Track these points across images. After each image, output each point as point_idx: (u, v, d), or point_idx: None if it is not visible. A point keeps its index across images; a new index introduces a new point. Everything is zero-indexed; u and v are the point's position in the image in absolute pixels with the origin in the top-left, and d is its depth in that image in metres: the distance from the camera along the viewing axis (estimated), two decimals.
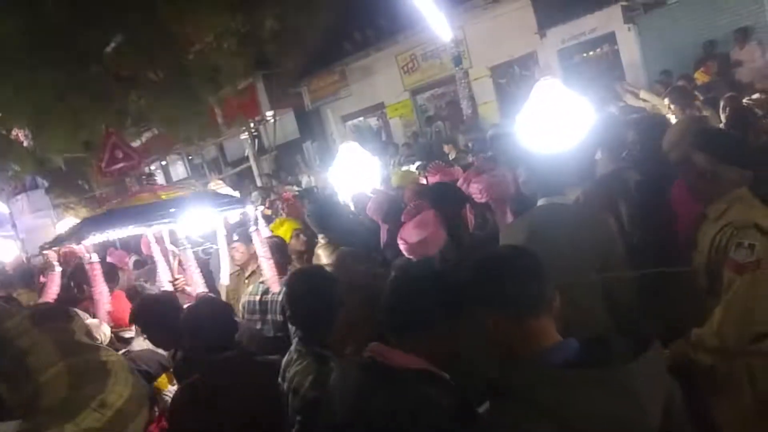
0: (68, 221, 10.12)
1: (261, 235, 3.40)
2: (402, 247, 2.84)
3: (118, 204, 3.35)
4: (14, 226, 17.34)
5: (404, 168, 6.26)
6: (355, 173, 5.72)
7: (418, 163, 6.80)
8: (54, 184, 15.23)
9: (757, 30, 7.73)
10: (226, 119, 13.48)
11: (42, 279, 4.98)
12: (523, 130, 4.21)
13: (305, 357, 2.00)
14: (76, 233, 3.20)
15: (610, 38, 9.09)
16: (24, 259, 9.50)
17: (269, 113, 13.40)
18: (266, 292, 3.23)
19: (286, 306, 2.15)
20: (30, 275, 5.98)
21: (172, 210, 3.11)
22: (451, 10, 9.39)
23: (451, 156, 8.60)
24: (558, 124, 3.85)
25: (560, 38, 9.46)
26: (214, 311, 2.34)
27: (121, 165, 10.17)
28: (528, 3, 9.49)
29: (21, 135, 12.54)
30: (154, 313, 2.74)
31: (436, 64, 11.45)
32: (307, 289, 2.06)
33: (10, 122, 11.26)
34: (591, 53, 9.46)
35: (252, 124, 14.31)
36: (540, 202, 2.46)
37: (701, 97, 5.04)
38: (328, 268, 2.99)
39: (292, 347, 2.09)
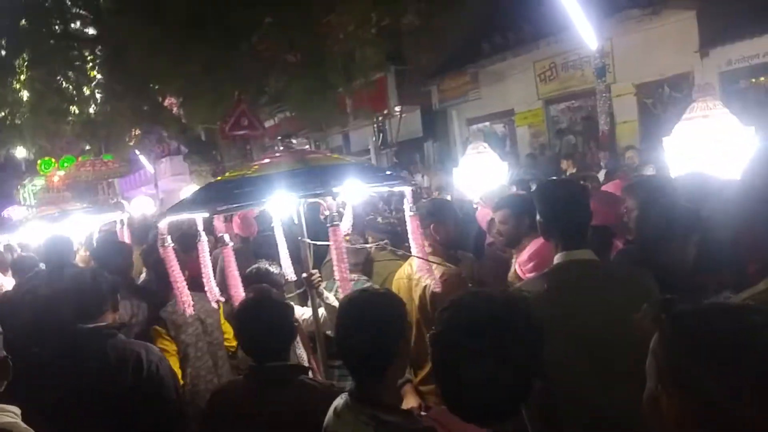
0: (194, 187, 10.99)
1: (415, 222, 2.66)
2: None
3: (258, 168, 2.52)
4: (156, 185, 19.32)
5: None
6: (481, 175, 5.49)
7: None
8: (192, 152, 16.65)
9: None
10: (354, 109, 13.82)
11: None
12: (668, 156, 3.73)
13: (359, 424, 1.55)
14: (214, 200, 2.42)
15: None
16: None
17: (396, 108, 13.50)
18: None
19: (334, 341, 1.78)
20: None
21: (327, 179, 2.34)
22: (600, 20, 8.75)
23: (569, 172, 8.06)
24: (712, 154, 3.34)
25: (726, 59, 8.36)
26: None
27: (243, 132, 10.78)
28: (692, 17, 8.51)
29: (171, 103, 13.81)
30: None
31: (576, 75, 10.76)
32: (363, 318, 1.65)
33: (163, 91, 12.38)
34: (764, 79, 8.29)
35: (379, 118, 14.55)
36: (556, 259, 1.95)
37: None
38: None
39: (338, 403, 1.68)
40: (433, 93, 13.79)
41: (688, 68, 8.80)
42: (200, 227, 2.70)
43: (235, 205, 2.41)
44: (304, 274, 2.75)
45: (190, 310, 2.65)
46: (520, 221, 2.86)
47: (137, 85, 10.89)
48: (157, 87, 11.63)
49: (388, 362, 1.63)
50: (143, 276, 4.86)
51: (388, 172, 2.86)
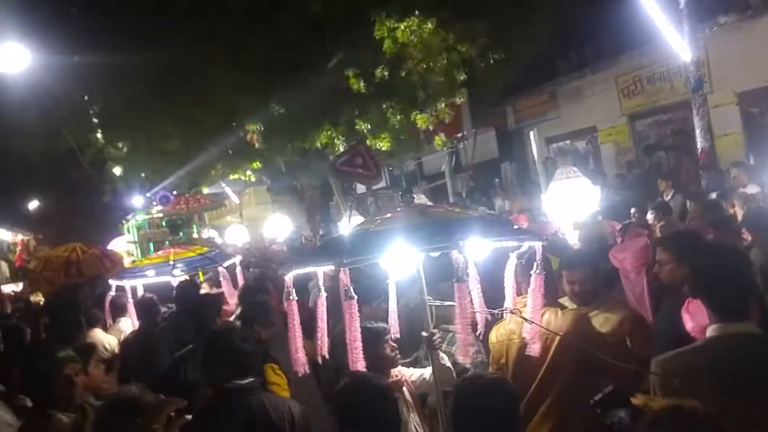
0: (279, 216, 11.28)
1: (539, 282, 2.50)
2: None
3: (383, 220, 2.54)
4: (241, 215, 20.18)
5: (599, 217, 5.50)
6: (571, 203, 5.16)
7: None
8: (274, 183, 17.23)
9: None
10: (427, 135, 13.73)
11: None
12: None
13: None
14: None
15: None
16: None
17: (471, 131, 13.26)
18: None
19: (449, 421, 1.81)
20: None
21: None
22: (692, 29, 8.13)
23: (667, 196, 7.40)
24: None
25: None
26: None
27: (355, 170, 10.89)
28: None
29: (254, 138, 14.38)
30: None
31: (664, 87, 10.09)
32: (482, 413, 1.71)
33: (247, 126, 12.92)
34: None
35: (453, 142, 14.35)
36: (711, 331, 1.71)
37: None
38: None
39: None
40: (509, 113, 13.47)
41: None
42: (321, 281, 2.61)
43: (360, 258, 2.36)
44: (424, 334, 2.57)
45: (303, 369, 2.63)
46: (598, 279, 2.91)
47: (222, 123, 11.45)
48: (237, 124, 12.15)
49: None
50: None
51: (516, 227, 2.77)
